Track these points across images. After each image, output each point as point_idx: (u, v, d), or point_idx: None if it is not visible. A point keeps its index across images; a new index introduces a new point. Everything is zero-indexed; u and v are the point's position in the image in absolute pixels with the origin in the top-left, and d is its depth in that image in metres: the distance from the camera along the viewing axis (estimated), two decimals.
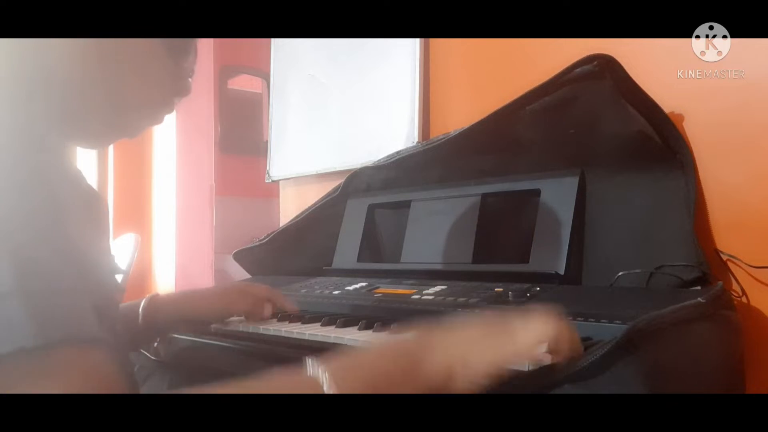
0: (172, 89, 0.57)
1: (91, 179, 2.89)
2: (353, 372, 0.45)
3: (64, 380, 0.35)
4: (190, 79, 0.58)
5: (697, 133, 0.81)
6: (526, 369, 0.49)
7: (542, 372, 0.49)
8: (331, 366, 0.44)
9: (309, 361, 0.44)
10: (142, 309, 0.75)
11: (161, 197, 2.77)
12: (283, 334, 0.75)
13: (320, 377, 0.42)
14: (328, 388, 0.42)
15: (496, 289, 0.78)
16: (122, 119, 0.55)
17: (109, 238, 0.56)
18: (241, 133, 2.61)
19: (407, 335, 0.50)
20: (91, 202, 0.53)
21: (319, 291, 0.98)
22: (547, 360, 0.49)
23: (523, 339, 0.48)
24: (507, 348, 0.48)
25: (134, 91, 0.54)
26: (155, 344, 0.79)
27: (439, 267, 0.94)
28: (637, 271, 0.76)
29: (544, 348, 0.49)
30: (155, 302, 0.76)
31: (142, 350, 0.81)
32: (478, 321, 0.51)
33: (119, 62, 0.52)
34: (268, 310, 0.83)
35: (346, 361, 0.46)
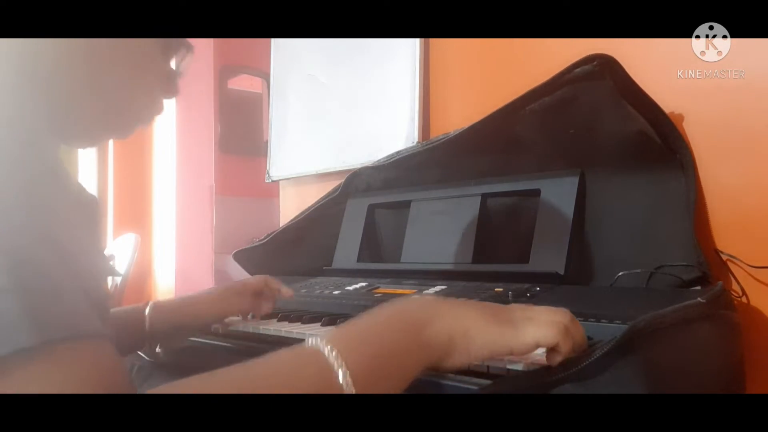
0: (163, 90, 0.56)
1: (91, 179, 2.89)
2: (361, 347, 0.43)
3: (69, 375, 0.35)
4: (178, 80, 0.57)
5: (697, 133, 0.81)
6: (520, 368, 0.50)
7: (541, 371, 0.49)
8: (339, 342, 0.42)
9: (313, 340, 0.43)
10: (148, 315, 0.75)
11: (161, 197, 2.77)
12: (283, 334, 0.76)
13: (328, 355, 0.41)
14: (338, 367, 0.41)
15: (496, 290, 0.78)
16: (114, 120, 0.54)
17: (102, 241, 0.55)
18: (241, 133, 2.60)
19: (412, 302, 0.49)
20: (83, 204, 0.52)
21: (319, 291, 0.98)
22: (542, 361, 0.49)
23: (524, 338, 0.47)
24: (508, 338, 0.47)
25: (127, 92, 0.53)
26: (157, 350, 0.80)
27: (439, 267, 0.94)
28: (638, 271, 0.77)
29: (542, 351, 0.49)
30: (159, 308, 0.76)
31: (139, 352, 0.81)
32: (486, 304, 0.51)
33: (112, 62, 0.51)
34: (266, 307, 0.85)
35: (354, 335, 0.45)
